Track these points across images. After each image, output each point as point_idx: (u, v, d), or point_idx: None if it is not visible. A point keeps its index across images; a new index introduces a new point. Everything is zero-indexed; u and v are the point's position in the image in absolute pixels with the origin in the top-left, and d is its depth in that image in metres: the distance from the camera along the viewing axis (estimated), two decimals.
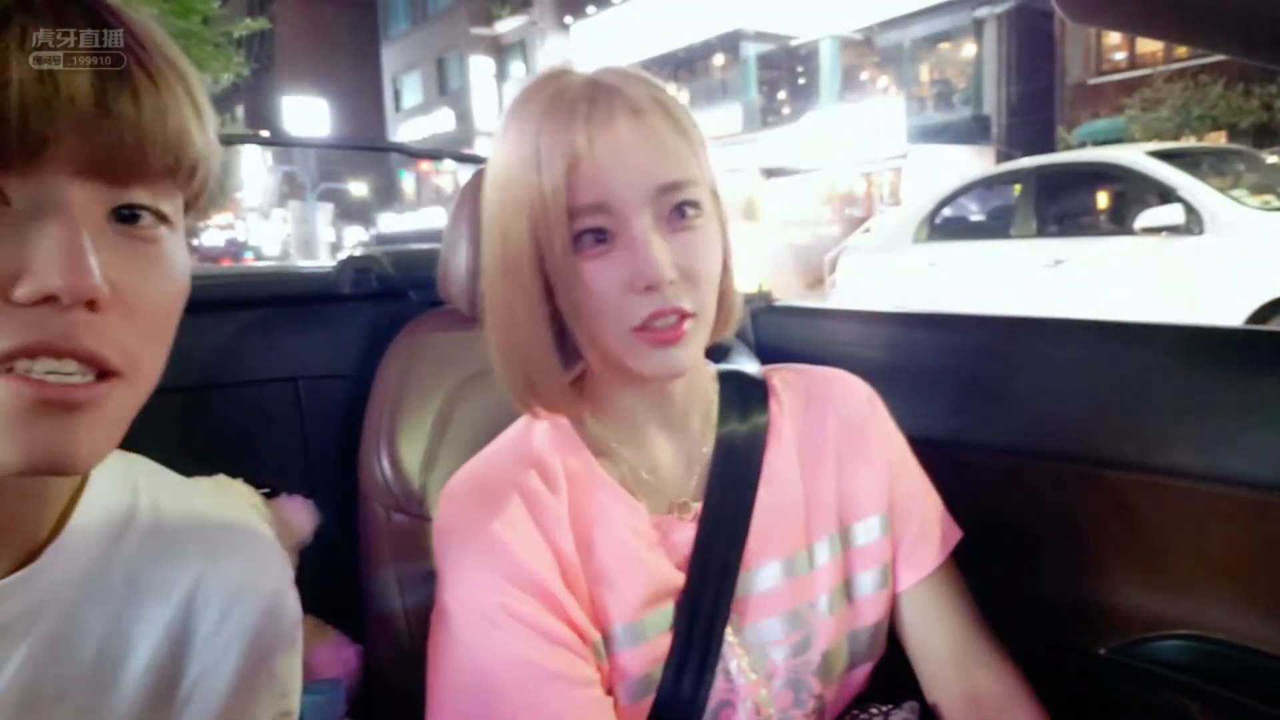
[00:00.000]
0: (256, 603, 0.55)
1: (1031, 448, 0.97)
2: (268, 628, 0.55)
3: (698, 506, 0.72)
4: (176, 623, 0.51)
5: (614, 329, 0.64)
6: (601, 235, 0.63)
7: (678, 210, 0.64)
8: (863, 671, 0.77)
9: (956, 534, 0.81)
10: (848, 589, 0.75)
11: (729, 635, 0.71)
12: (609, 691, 0.67)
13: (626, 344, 0.64)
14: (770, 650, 0.72)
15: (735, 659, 0.71)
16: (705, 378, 0.76)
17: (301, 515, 1.11)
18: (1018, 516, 0.84)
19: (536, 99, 0.65)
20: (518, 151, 0.64)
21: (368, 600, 1.01)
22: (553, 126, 0.63)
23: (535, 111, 0.64)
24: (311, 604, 1.10)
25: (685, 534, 0.71)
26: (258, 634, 0.54)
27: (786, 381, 0.80)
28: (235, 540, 0.56)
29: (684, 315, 0.63)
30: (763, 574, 0.73)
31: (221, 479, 1.07)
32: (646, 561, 0.69)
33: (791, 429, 0.77)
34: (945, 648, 0.78)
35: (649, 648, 0.68)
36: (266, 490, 1.10)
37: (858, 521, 0.77)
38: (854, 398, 0.80)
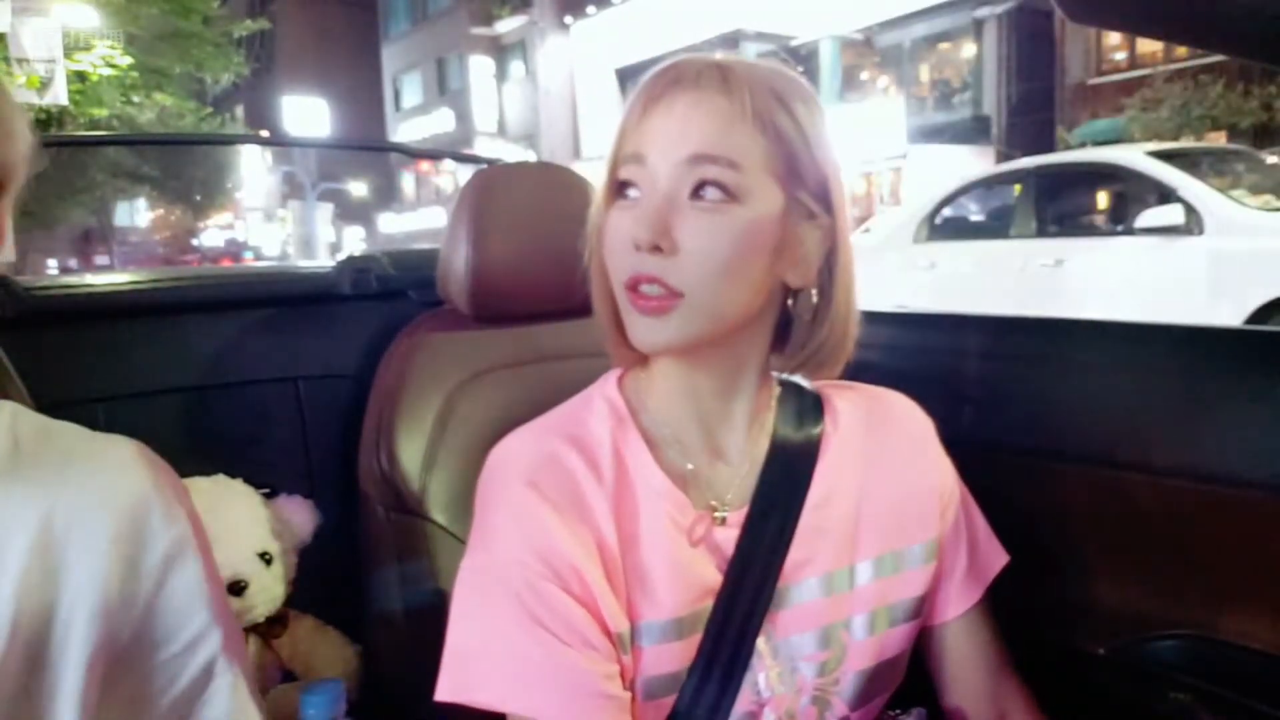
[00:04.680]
0: (114, 512, 0.54)
1: (1030, 448, 0.97)
2: (138, 537, 0.54)
3: (744, 509, 0.71)
4: (42, 546, 0.51)
5: (615, 284, 0.67)
6: (636, 190, 0.65)
7: (701, 186, 0.63)
8: (882, 700, 0.77)
9: (1001, 561, 0.81)
10: (880, 616, 0.74)
11: (760, 645, 0.69)
12: (629, 685, 0.67)
13: (623, 303, 0.66)
14: (800, 665, 0.71)
15: (764, 670, 0.70)
16: (752, 378, 0.73)
17: (301, 515, 1.11)
18: (1017, 516, 0.84)
19: (661, 66, 0.67)
20: (626, 108, 0.68)
21: (368, 600, 1.01)
22: (643, 87, 0.66)
23: (648, 75, 0.67)
24: (311, 604, 1.12)
25: (728, 535, 0.70)
26: (129, 546, 0.54)
27: (844, 398, 0.78)
28: (90, 456, 0.56)
29: (670, 291, 0.63)
30: (801, 587, 0.71)
31: (221, 479, 1.07)
32: (687, 559, 0.69)
33: (846, 446, 0.76)
34: (977, 674, 0.79)
35: (678, 647, 0.68)
36: (266, 490, 1.10)
37: (902, 547, 0.76)
38: (913, 423, 0.80)
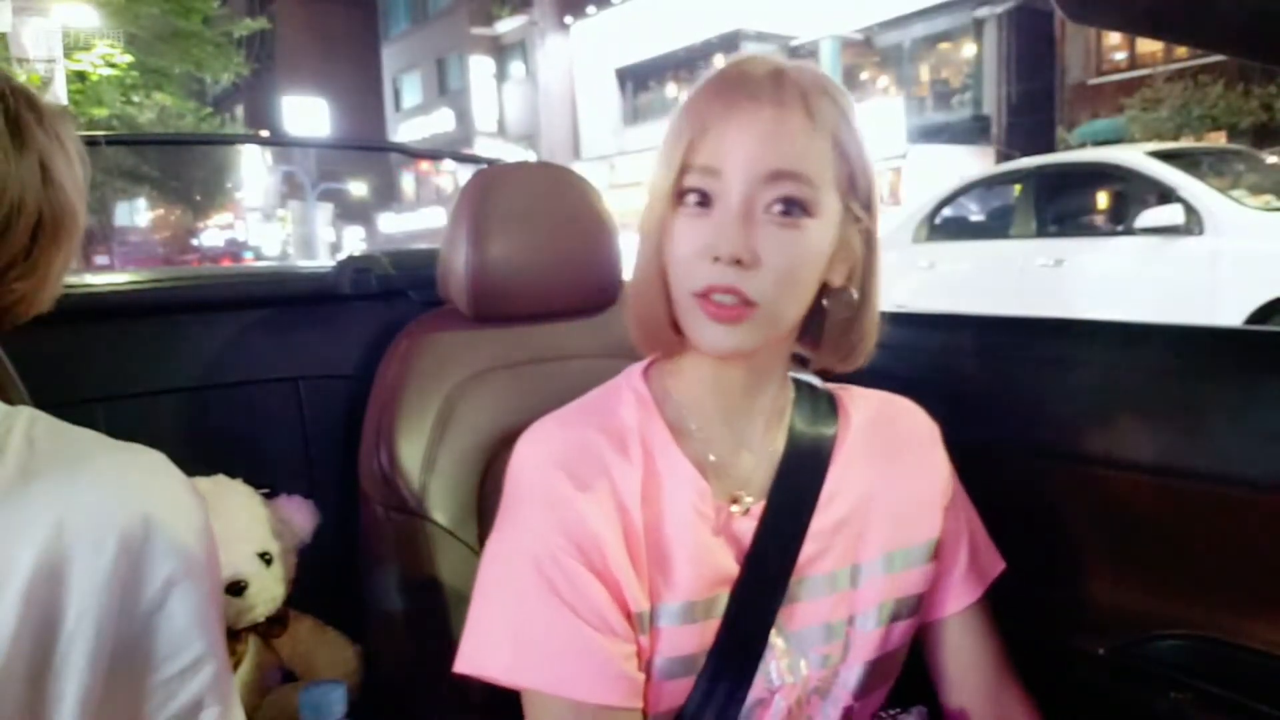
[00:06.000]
0: (124, 524, 0.53)
1: (1030, 447, 0.97)
2: (144, 553, 0.53)
3: (761, 503, 0.73)
4: (51, 553, 0.51)
5: (681, 289, 0.67)
6: (705, 200, 0.66)
7: (781, 203, 0.64)
8: (884, 690, 0.78)
9: (999, 565, 0.82)
10: (883, 612, 0.76)
11: (773, 635, 0.72)
12: (647, 665, 0.68)
13: (688, 307, 0.67)
14: (808, 657, 0.73)
15: (775, 660, 0.72)
16: (777, 377, 0.75)
17: (301, 515, 1.11)
18: (1017, 516, 0.84)
19: (723, 70, 0.68)
20: (681, 108, 0.68)
21: (368, 600, 1.01)
22: (711, 93, 0.67)
23: (712, 79, 0.68)
24: (311, 604, 1.12)
25: (745, 526, 0.72)
26: (133, 559, 0.53)
27: (854, 400, 0.80)
28: (106, 465, 0.55)
29: (745, 301, 0.64)
30: (812, 581, 0.73)
31: (221, 479, 1.07)
32: (707, 545, 0.70)
33: (856, 446, 0.77)
34: (977, 673, 0.80)
35: (693, 630, 0.69)
36: (266, 490, 1.10)
37: (906, 548, 0.77)
38: (920, 428, 0.81)
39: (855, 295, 0.71)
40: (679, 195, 0.67)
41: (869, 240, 0.70)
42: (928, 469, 0.80)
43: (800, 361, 0.78)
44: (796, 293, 0.67)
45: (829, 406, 0.79)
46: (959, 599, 0.80)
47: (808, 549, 0.73)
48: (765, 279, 0.64)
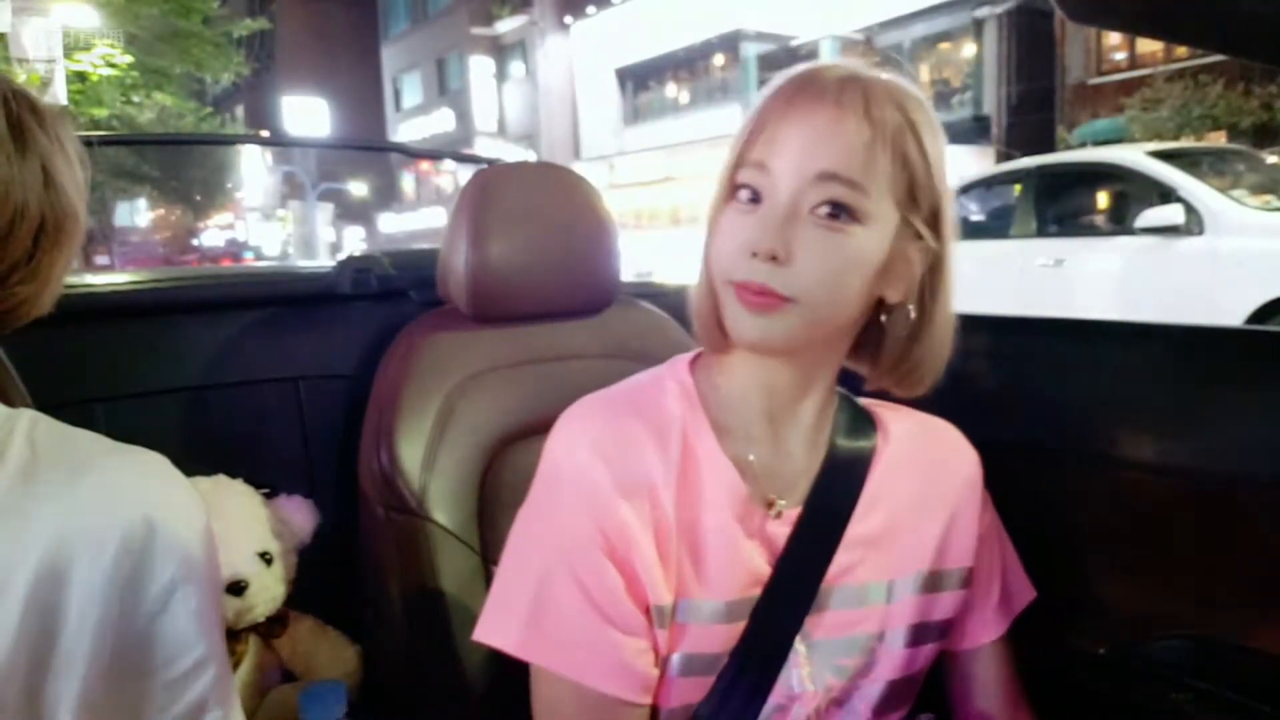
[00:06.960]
0: (125, 527, 0.53)
1: (1030, 446, 0.97)
2: (145, 555, 0.53)
3: (798, 509, 0.73)
4: (52, 558, 0.51)
5: (720, 279, 0.68)
6: (755, 197, 0.66)
7: (827, 205, 0.64)
8: (903, 711, 0.78)
9: (1029, 596, 0.82)
10: (909, 633, 0.75)
11: (797, 642, 0.71)
12: (664, 659, 0.68)
13: (727, 295, 0.67)
14: (831, 668, 0.73)
15: (797, 667, 0.72)
16: (824, 385, 0.75)
17: (301, 515, 1.11)
18: (1017, 516, 0.84)
19: (798, 72, 0.68)
20: (751, 108, 0.69)
21: (368, 600, 1.01)
22: (776, 91, 0.67)
23: (784, 79, 0.68)
24: (311, 604, 1.12)
25: (779, 530, 0.72)
26: (135, 562, 0.53)
27: (895, 419, 0.80)
28: (107, 468, 0.55)
29: (779, 297, 0.64)
30: (841, 592, 0.73)
31: (221, 479, 1.07)
32: (741, 546, 0.70)
33: (894, 464, 0.77)
34: (995, 701, 0.80)
35: (721, 630, 0.69)
36: (266, 490, 1.10)
37: (939, 570, 0.77)
38: (963, 453, 0.81)
39: (912, 313, 0.70)
40: (732, 190, 0.67)
41: (935, 263, 0.69)
42: (969, 495, 0.79)
43: (844, 382, 0.78)
44: (836, 295, 0.66)
45: (869, 421, 0.79)
46: (987, 632, 0.80)
47: (841, 559, 0.72)
48: (799, 276, 0.64)
